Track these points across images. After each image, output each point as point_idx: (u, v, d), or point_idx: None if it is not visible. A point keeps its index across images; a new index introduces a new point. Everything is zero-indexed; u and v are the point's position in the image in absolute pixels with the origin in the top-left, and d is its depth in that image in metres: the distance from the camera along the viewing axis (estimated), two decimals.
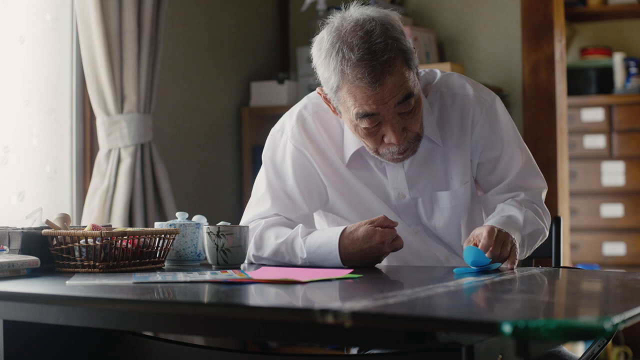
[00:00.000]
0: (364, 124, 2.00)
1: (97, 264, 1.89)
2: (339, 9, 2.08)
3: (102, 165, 3.27)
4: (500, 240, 1.89)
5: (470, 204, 2.17)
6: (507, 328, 1.16)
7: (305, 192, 2.17)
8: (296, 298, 1.55)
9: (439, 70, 2.20)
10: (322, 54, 2.01)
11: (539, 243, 2.15)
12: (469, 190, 2.16)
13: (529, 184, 2.17)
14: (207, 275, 1.77)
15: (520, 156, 2.17)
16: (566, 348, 2.05)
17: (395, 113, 1.98)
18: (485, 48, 3.96)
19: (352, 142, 2.13)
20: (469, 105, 2.13)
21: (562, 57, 3.91)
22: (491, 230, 1.89)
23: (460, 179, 2.14)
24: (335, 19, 2.01)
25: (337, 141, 2.17)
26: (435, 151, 2.14)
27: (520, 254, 2.02)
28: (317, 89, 2.11)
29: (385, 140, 2.02)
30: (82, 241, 1.90)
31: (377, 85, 1.94)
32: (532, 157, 2.22)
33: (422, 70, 2.20)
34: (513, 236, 1.95)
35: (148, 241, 1.97)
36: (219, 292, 1.61)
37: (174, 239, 2.04)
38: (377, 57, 1.94)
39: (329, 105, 2.09)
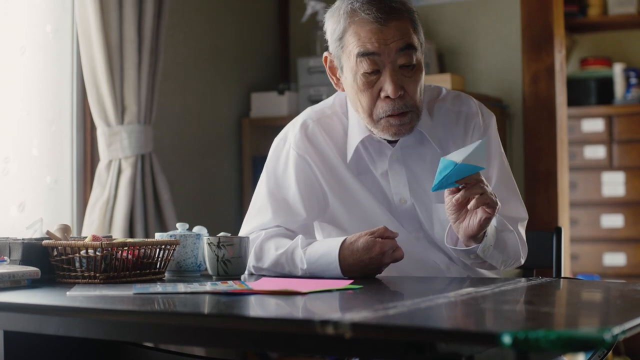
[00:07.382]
0: (363, 66, 2.02)
1: (97, 274, 1.89)
2: None
3: (102, 176, 3.27)
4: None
5: None
6: (507, 339, 1.15)
7: (306, 198, 2.17)
8: (296, 309, 1.55)
9: (444, 88, 2.22)
10: (332, 12, 2.09)
11: (510, 263, 2.07)
12: None
13: (509, 210, 2.10)
14: (208, 286, 1.77)
15: (502, 184, 2.12)
16: (566, 359, 2.05)
17: (395, 62, 2.02)
18: (486, 59, 3.97)
19: (356, 135, 2.14)
20: (471, 119, 2.15)
21: (562, 67, 3.91)
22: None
23: None
24: None
25: (340, 144, 2.18)
26: (439, 160, 2.13)
27: (491, 259, 1.99)
28: (325, 53, 2.14)
29: (382, 94, 2.03)
30: (83, 252, 1.90)
31: (383, 22, 2.00)
32: (515, 185, 2.18)
33: (428, 85, 2.21)
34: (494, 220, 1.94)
35: (148, 252, 1.97)
36: (220, 303, 1.61)
37: (174, 249, 2.04)
38: (387, 1, 2.02)
39: (333, 77, 2.13)
